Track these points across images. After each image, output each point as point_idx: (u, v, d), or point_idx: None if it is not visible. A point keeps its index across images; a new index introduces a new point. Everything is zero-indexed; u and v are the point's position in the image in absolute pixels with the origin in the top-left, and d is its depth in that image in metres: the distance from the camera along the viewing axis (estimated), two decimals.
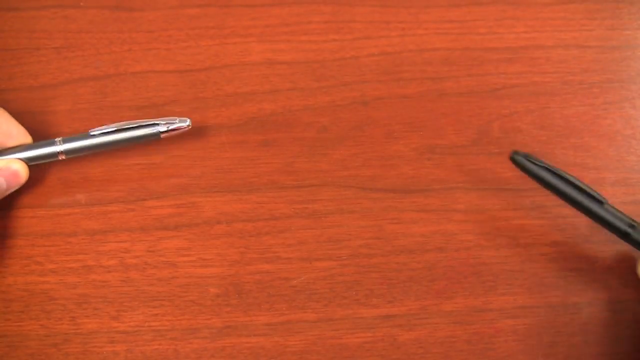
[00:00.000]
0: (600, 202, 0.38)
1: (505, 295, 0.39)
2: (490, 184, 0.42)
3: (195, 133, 0.44)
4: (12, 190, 0.40)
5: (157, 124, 0.41)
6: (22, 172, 0.40)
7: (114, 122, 0.44)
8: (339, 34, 0.49)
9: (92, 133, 0.40)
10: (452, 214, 0.41)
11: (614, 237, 0.37)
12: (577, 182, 0.38)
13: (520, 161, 0.38)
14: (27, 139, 0.41)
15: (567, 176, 0.38)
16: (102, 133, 0.40)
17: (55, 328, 0.37)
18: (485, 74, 0.47)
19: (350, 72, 0.47)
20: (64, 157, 0.40)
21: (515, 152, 0.38)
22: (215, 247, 0.40)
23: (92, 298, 0.38)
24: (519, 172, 0.42)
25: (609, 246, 0.41)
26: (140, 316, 0.38)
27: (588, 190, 0.38)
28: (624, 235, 0.37)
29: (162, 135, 0.41)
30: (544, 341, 0.37)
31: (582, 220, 0.39)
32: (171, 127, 0.41)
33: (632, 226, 0.37)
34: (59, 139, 0.40)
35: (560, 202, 0.38)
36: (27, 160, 0.40)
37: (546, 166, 0.38)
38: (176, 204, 0.41)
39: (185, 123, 0.41)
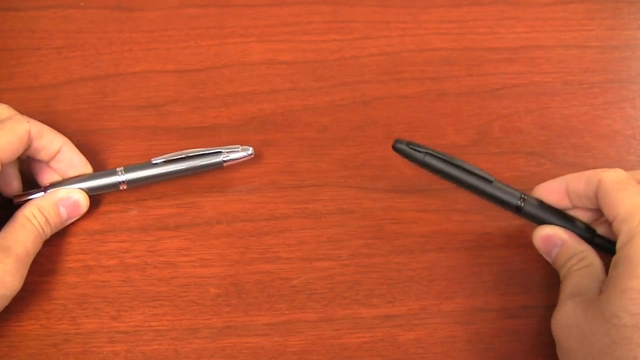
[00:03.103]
0: (489, 180, 0.37)
1: (505, 295, 0.39)
2: None
3: (195, 133, 0.44)
4: (72, 220, 0.40)
5: (220, 153, 0.41)
6: (83, 203, 0.40)
7: (114, 121, 0.44)
8: (339, 34, 0.49)
9: (154, 162, 0.40)
10: (452, 214, 0.41)
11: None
12: (463, 164, 0.38)
13: (403, 149, 0.38)
14: (87, 168, 0.40)
15: (453, 159, 0.38)
16: (164, 162, 0.40)
17: (55, 328, 0.37)
18: (485, 74, 0.47)
19: (350, 72, 0.47)
20: (125, 187, 0.40)
21: (397, 140, 0.38)
22: (215, 247, 0.40)
23: (92, 298, 0.38)
24: (519, 172, 0.42)
25: None
26: (140, 316, 0.38)
27: (476, 170, 0.38)
28: (517, 210, 0.38)
29: (225, 164, 0.41)
30: (543, 341, 0.37)
31: None
32: (234, 156, 0.41)
33: (523, 199, 0.37)
34: (121, 168, 0.40)
35: None
36: (88, 191, 0.40)
37: (430, 151, 0.38)
38: (176, 204, 0.41)
39: (247, 152, 0.41)
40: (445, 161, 0.38)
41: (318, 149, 0.44)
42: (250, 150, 0.41)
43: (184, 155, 0.40)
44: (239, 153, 0.41)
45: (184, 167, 0.40)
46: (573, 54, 0.48)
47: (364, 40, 0.49)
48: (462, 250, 0.40)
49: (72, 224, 0.40)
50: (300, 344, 0.37)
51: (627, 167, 0.35)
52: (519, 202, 0.37)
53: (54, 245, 0.40)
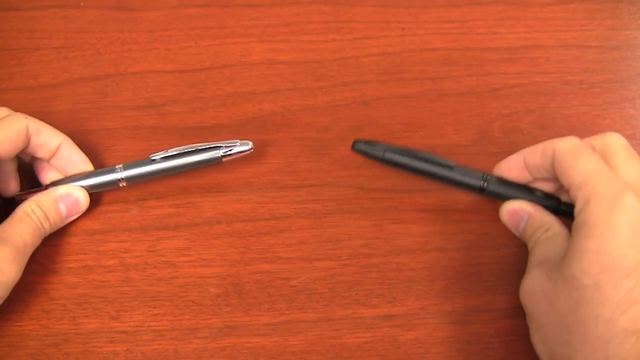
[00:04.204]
0: (449, 166, 0.38)
1: (505, 295, 0.39)
2: None
3: (195, 133, 0.44)
4: (72, 218, 0.40)
5: (219, 147, 0.40)
6: (83, 200, 0.40)
7: (114, 121, 0.44)
8: (339, 34, 0.49)
9: (152, 158, 0.40)
10: (452, 214, 0.41)
11: None
12: (423, 155, 0.38)
13: (361, 148, 0.39)
14: (88, 166, 0.40)
15: (412, 151, 0.38)
16: (163, 158, 0.40)
17: (55, 328, 0.37)
18: (485, 74, 0.47)
19: (350, 72, 0.47)
20: (124, 184, 0.40)
21: (356, 141, 0.39)
22: (215, 247, 0.40)
23: (92, 298, 0.38)
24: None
25: None
26: (140, 316, 0.38)
27: (436, 159, 0.38)
28: (481, 190, 0.38)
29: (224, 159, 0.40)
30: None
31: None
32: (233, 150, 0.40)
33: (485, 180, 0.38)
34: (120, 165, 0.40)
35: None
36: (89, 188, 0.40)
37: (389, 147, 0.38)
38: (176, 204, 0.41)
39: (247, 147, 0.40)
40: (404, 154, 0.38)
41: (318, 149, 0.44)
42: (250, 145, 0.40)
43: (183, 151, 0.40)
44: (239, 147, 0.40)
45: (183, 162, 0.40)
46: (573, 54, 0.48)
47: (364, 40, 0.49)
48: (462, 250, 0.40)
49: (72, 223, 0.40)
50: (300, 344, 0.37)
51: None
52: (481, 182, 0.38)
53: (54, 245, 0.40)
